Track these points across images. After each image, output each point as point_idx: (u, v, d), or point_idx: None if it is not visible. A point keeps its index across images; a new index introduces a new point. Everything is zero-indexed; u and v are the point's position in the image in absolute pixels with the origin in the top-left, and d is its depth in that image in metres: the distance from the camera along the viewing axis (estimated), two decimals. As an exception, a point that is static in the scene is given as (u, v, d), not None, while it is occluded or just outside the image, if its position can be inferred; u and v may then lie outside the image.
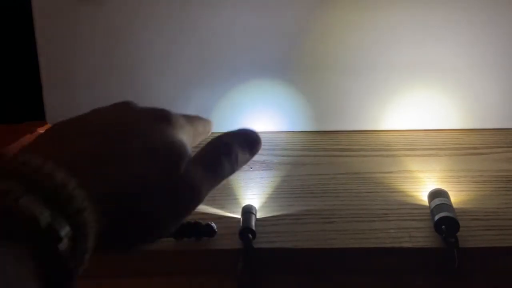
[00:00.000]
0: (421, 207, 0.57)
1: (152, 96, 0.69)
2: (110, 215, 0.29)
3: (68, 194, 0.27)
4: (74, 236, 0.27)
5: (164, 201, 0.32)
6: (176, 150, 0.33)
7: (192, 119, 0.38)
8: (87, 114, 0.35)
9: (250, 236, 0.53)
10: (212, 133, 0.42)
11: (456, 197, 0.57)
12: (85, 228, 0.27)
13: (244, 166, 0.38)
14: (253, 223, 0.54)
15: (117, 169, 0.30)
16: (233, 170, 0.36)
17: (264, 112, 0.69)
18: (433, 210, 0.55)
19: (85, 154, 0.30)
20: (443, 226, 0.53)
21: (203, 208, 0.57)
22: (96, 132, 0.32)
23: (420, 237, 0.53)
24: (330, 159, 0.66)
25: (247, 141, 0.38)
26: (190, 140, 0.36)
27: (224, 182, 0.36)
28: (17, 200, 0.25)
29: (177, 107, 0.39)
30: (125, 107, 0.36)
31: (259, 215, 0.56)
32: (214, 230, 0.53)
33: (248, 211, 0.55)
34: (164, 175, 0.32)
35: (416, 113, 0.70)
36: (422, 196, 0.58)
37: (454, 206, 0.55)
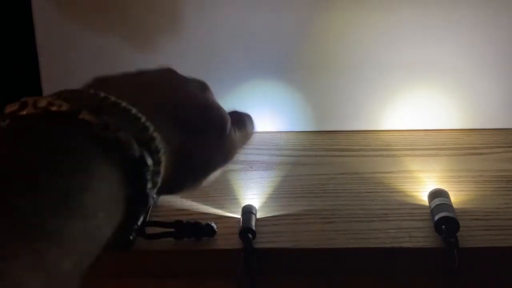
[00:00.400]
0: (421, 207, 0.57)
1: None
2: (174, 157, 0.33)
3: (150, 135, 0.30)
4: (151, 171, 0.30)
5: (215, 150, 0.36)
6: (223, 110, 0.37)
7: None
8: (132, 72, 0.38)
9: (250, 236, 0.53)
10: None
11: (456, 197, 0.57)
12: (159, 166, 0.31)
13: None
14: (253, 223, 0.54)
15: (178, 117, 0.34)
16: (252, 131, 0.41)
17: (264, 112, 0.69)
18: (433, 210, 0.55)
19: (148, 103, 0.33)
20: (443, 226, 0.53)
21: (203, 208, 0.57)
22: (152, 84, 0.36)
23: (420, 237, 0.53)
24: (330, 159, 0.66)
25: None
26: None
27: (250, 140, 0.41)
28: (116, 132, 0.28)
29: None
30: (170, 70, 0.39)
31: (259, 215, 0.56)
32: (214, 230, 0.53)
33: (248, 211, 0.55)
34: (216, 128, 0.36)
35: (416, 113, 0.70)
36: (422, 196, 0.58)
37: (454, 206, 0.55)
